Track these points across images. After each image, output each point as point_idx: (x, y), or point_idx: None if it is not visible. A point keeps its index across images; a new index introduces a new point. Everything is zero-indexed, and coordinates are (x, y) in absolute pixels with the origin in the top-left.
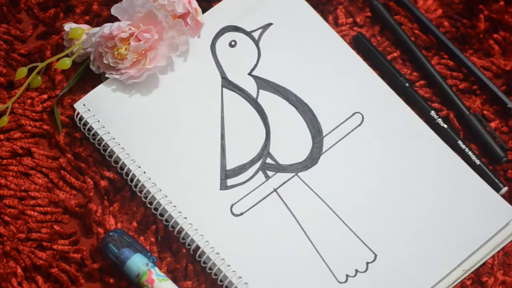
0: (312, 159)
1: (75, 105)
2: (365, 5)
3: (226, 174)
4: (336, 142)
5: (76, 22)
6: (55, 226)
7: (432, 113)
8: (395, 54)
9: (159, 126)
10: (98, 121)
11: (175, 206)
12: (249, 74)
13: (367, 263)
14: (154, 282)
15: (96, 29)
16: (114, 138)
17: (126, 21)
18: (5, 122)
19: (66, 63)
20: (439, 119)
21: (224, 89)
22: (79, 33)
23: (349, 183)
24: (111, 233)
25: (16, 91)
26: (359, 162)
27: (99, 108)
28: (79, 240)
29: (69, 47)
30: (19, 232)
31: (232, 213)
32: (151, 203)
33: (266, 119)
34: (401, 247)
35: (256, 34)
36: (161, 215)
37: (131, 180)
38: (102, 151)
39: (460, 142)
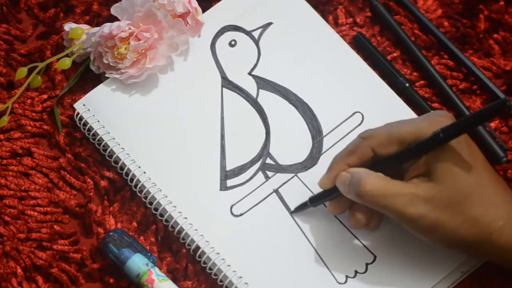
0: (311, 160)
1: (75, 105)
2: (365, 5)
3: (226, 175)
4: (336, 142)
5: (76, 22)
6: (55, 226)
7: None
8: (395, 54)
9: (159, 126)
10: (98, 121)
11: (175, 206)
12: (249, 73)
13: (367, 264)
14: (154, 282)
15: (96, 29)
16: (114, 138)
17: (125, 21)
18: (5, 122)
19: (66, 63)
20: None
21: (224, 89)
22: (79, 33)
23: None
24: (111, 233)
25: (16, 91)
26: None
27: (99, 108)
28: (79, 240)
29: (69, 47)
30: (19, 232)
31: (232, 213)
32: (151, 203)
33: (266, 119)
34: (400, 249)
35: (256, 34)
36: (161, 215)
37: (131, 180)
38: (102, 151)
39: None
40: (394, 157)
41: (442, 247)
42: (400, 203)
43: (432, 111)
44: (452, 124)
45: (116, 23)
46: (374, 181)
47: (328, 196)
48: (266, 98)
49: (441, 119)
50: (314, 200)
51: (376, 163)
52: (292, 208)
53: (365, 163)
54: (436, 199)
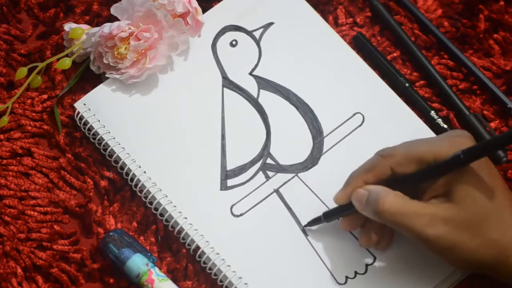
0: (312, 160)
1: (75, 105)
2: (365, 5)
3: (226, 175)
4: (337, 143)
5: (76, 22)
6: (55, 226)
7: (432, 113)
8: (395, 54)
9: (159, 125)
10: (99, 121)
11: (175, 206)
12: (250, 73)
13: (367, 265)
14: (154, 282)
15: (96, 29)
16: (114, 138)
17: (125, 21)
18: (5, 122)
19: (66, 63)
20: (439, 119)
21: (224, 89)
22: (79, 33)
23: None
24: (111, 233)
25: (16, 91)
26: (359, 163)
27: (100, 108)
28: (79, 240)
29: (69, 47)
30: (19, 232)
31: (232, 213)
32: (151, 203)
33: (267, 119)
34: (400, 250)
35: (257, 34)
36: (161, 215)
37: (131, 180)
38: (102, 150)
39: None
40: (413, 176)
41: (459, 268)
42: (419, 223)
43: (450, 130)
44: (474, 147)
45: (116, 23)
46: (393, 200)
47: (342, 212)
48: (267, 98)
49: (460, 139)
50: (328, 216)
51: (394, 181)
52: (304, 222)
53: (382, 181)
54: (455, 220)
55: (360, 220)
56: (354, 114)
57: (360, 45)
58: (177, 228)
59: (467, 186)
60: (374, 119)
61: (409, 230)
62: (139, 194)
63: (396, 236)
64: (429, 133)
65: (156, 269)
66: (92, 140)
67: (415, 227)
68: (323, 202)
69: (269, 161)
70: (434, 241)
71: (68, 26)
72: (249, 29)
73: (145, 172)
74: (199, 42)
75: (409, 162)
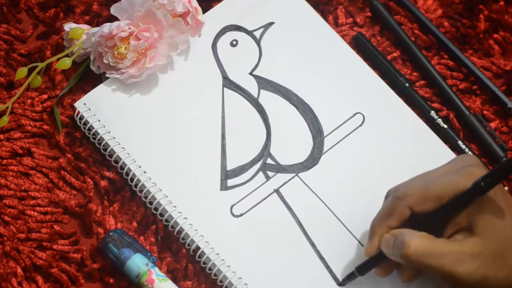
0: (312, 160)
1: (76, 104)
2: (365, 5)
3: (226, 175)
4: (337, 143)
5: (76, 22)
6: (55, 226)
7: (432, 113)
8: (395, 54)
9: (159, 125)
10: (99, 121)
11: (175, 206)
12: (250, 73)
13: None
14: (154, 282)
15: (96, 29)
16: (114, 138)
17: (125, 20)
18: (5, 122)
19: (66, 63)
20: (439, 119)
21: (225, 88)
22: (79, 33)
23: (349, 184)
24: (111, 233)
25: (16, 91)
26: (360, 163)
27: (100, 108)
28: (79, 240)
29: (69, 47)
30: (19, 232)
31: (232, 214)
32: (151, 203)
33: (267, 119)
34: None
35: (257, 34)
36: (161, 215)
37: (131, 180)
38: (102, 150)
39: (460, 142)
40: (437, 213)
41: None
42: (447, 263)
43: (458, 156)
44: (491, 172)
45: (116, 23)
46: (417, 242)
47: (375, 263)
48: (267, 98)
49: (474, 170)
50: (362, 269)
51: (416, 219)
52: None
53: (405, 222)
54: (482, 254)
55: (395, 262)
56: (354, 114)
57: (360, 45)
58: (177, 228)
59: (488, 216)
60: (374, 119)
61: (438, 270)
62: (139, 194)
63: None
64: (429, 133)
65: (156, 269)
66: (92, 140)
67: (443, 266)
68: (323, 202)
69: (269, 161)
70: (464, 278)
71: (68, 26)
72: (250, 29)
73: (145, 172)
74: (199, 42)
75: (427, 200)
